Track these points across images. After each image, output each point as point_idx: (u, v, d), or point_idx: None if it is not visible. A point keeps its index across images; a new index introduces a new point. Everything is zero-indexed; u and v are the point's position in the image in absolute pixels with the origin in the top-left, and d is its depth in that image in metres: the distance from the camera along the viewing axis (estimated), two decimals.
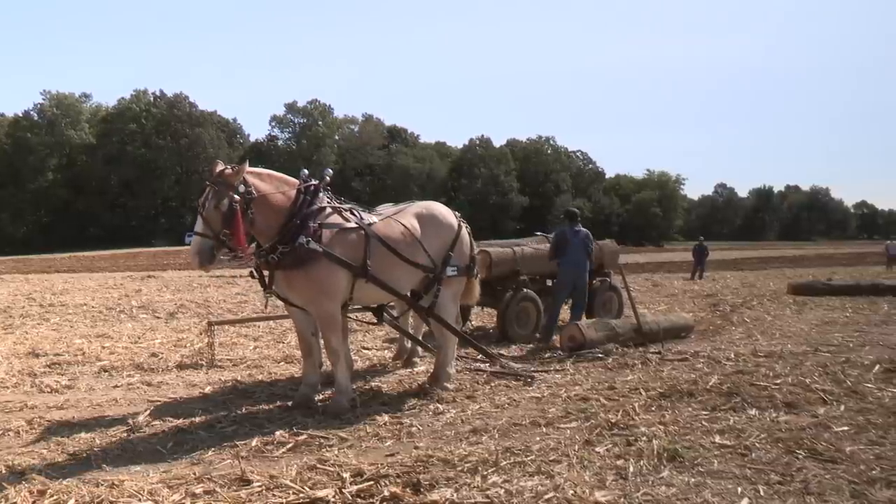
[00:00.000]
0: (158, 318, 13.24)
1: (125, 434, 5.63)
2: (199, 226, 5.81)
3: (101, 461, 4.92)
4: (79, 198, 70.22)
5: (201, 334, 9.72)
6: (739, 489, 4.25)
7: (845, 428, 5.44)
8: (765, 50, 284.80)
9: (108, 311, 14.09)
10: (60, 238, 64.66)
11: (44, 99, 73.72)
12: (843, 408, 6.06)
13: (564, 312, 10.80)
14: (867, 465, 4.64)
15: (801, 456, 4.83)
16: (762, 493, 4.20)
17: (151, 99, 77.08)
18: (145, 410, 6.24)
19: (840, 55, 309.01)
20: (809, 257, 51.53)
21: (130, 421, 5.87)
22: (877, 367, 7.66)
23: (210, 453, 5.11)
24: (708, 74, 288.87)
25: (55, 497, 4.14)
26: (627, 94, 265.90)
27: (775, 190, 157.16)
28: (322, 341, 6.70)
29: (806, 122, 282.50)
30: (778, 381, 6.89)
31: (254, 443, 5.29)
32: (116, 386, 7.43)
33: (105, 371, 8.10)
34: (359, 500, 4.15)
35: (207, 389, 7.24)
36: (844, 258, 48.78)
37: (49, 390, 7.16)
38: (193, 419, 5.99)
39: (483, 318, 12.47)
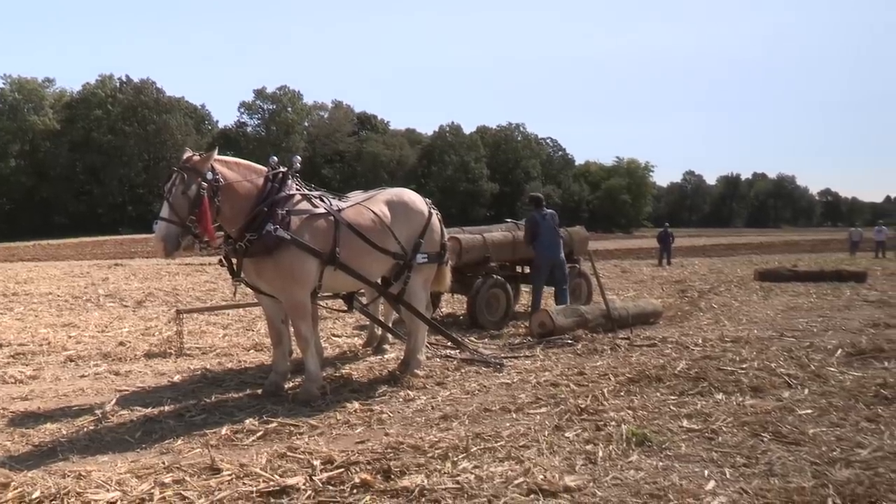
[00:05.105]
0: (126, 306, 13.09)
1: (92, 424, 5.56)
2: (165, 211, 5.73)
3: (68, 452, 4.85)
4: (43, 185, 68.74)
5: (170, 322, 9.64)
6: (706, 472, 4.32)
7: (808, 411, 5.56)
8: (733, 39, 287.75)
9: (74, 300, 13.90)
10: (24, 226, 63.36)
11: (4, 83, 71.95)
12: (806, 391, 6.19)
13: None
14: (828, 446, 4.75)
15: (765, 439, 4.93)
16: (728, 476, 4.26)
17: (117, 84, 75.46)
18: (113, 400, 6.16)
19: (806, 46, 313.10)
20: (776, 244, 52.26)
21: (98, 411, 5.80)
22: (839, 351, 7.83)
23: (179, 442, 5.07)
24: (677, 63, 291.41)
25: (20, 489, 4.06)
26: (597, 82, 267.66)
27: (743, 177, 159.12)
28: (292, 329, 6.67)
29: (773, 111, 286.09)
30: (744, 366, 7.00)
31: (223, 431, 5.25)
32: (83, 376, 7.34)
33: (71, 361, 7.98)
34: (329, 487, 4.15)
35: (176, 378, 7.18)
36: (809, 245, 49.53)
37: (13, 381, 7.04)
38: (162, 408, 5.93)
39: (453, 304, 12.49)
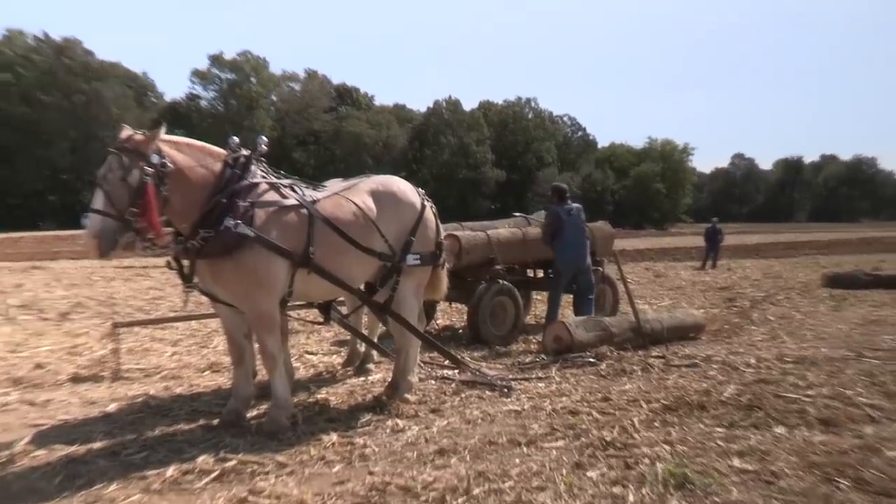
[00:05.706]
0: (47, 319, 12.99)
1: None
2: (98, 202, 5.67)
3: None
4: None
5: (103, 339, 9.62)
6: None
7: None
8: None
9: None
10: None
11: None
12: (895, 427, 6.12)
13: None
14: None
15: (843, 486, 4.83)
16: None
17: (31, 42, 74.99)
18: (26, 437, 6.05)
19: None
20: (850, 242, 51.85)
21: (4, 452, 5.68)
22: None
23: (113, 488, 5.02)
24: (721, 24, 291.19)
25: None
26: (624, 49, 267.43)
27: (807, 160, 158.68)
28: (256, 345, 6.67)
29: (844, 78, 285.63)
30: (811, 393, 6.98)
31: (169, 472, 5.22)
32: None
33: None
34: None
35: (111, 407, 7.14)
36: (895, 243, 49.26)
37: None
38: (91, 445, 5.88)
39: (451, 315, 12.49)
